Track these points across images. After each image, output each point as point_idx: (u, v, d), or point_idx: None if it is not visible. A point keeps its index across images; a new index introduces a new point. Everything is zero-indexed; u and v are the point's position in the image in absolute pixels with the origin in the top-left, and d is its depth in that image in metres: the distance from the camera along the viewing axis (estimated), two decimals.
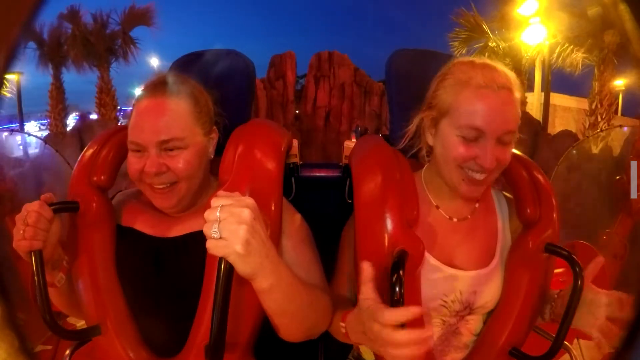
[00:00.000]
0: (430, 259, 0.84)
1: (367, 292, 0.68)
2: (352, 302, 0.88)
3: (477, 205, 0.91)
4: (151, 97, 0.83)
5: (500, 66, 0.82)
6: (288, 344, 0.82)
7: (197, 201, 0.89)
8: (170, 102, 0.82)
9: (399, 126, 0.99)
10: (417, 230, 0.82)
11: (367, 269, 0.69)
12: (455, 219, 0.89)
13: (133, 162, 0.83)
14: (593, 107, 8.20)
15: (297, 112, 11.90)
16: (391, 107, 1.04)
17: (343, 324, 0.78)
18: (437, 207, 0.89)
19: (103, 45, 9.61)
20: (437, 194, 0.90)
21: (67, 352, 0.97)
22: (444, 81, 0.84)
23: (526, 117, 7.98)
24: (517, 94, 0.80)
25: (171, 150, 0.81)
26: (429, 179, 0.91)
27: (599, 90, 8.11)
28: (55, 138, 8.25)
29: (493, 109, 0.78)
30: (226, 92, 0.96)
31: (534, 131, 7.61)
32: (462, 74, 0.82)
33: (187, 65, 1.03)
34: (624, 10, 0.42)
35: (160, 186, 0.82)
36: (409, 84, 0.97)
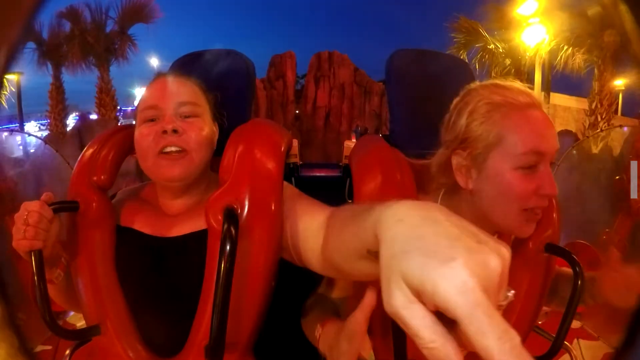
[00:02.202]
0: None
1: (360, 317, 0.61)
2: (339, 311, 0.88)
3: (495, 235, 0.87)
4: (164, 76, 0.89)
5: (521, 85, 0.77)
6: (288, 344, 0.82)
7: (198, 198, 0.89)
8: (184, 79, 0.89)
9: (399, 126, 0.99)
10: None
11: (370, 297, 0.60)
12: None
13: (146, 132, 0.83)
14: (593, 106, 8.22)
15: (297, 112, 11.89)
16: (391, 107, 1.04)
17: (320, 330, 0.76)
18: None
19: (102, 45, 9.63)
20: None
21: (67, 352, 0.97)
22: (474, 112, 0.75)
23: None
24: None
25: (187, 117, 0.85)
26: None
27: (599, 90, 8.13)
28: (56, 138, 8.26)
29: (546, 128, 0.73)
30: (226, 92, 0.96)
31: None
32: (495, 96, 0.74)
33: (187, 65, 1.03)
34: (624, 10, 0.42)
35: (173, 148, 0.82)
36: (409, 84, 0.97)
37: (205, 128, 0.86)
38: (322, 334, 0.75)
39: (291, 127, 11.14)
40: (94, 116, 9.66)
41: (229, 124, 0.94)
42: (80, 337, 0.90)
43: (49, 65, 9.69)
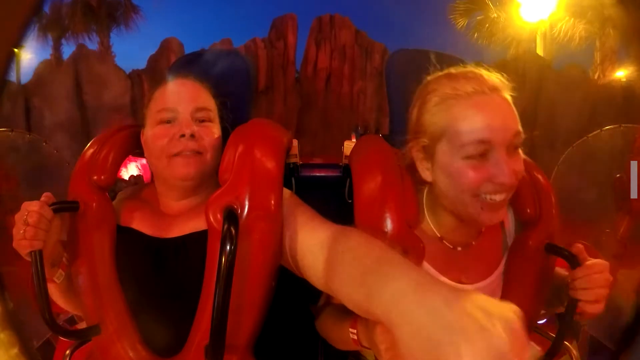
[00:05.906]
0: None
1: None
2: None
3: (483, 229, 0.86)
4: (181, 77, 0.92)
5: (482, 70, 0.76)
6: (288, 344, 0.82)
7: (200, 200, 0.89)
8: (199, 83, 0.92)
9: (399, 125, 0.99)
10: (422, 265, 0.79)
11: None
12: (459, 248, 0.84)
13: (161, 133, 0.85)
14: (596, 77, 8.17)
15: (298, 73, 11.76)
16: (391, 107, 1.04)
17: (354, 330, 0.75)
18: (441, 239, 0.84)
19: (104, 11, 9.58)
20: (441, 223, 0.84)
21: (67, 352, 0.97)
22: (426, 104, 0.77)
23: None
24: (508, 95, 0.74)
25: (202, 121, 0.88)
26: (430, 207, 0.85)
27: (601, 61, 8.09)
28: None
29: (494, 114, 0.71)
30: (226, 92, 0.96)
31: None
32: (445, 88, 0.75)
33: (188, 65, 1.03)
34: (623, 10, 0.42)
35: (188, 152, 0.84)
36: (409, 84, 0.97)
37: (217, 132, 0.90)
38: (359, 333, 0.74)
39: (291, 90, 11.11)
40: None
41: (229, 124, 0.94)
42: (80, 337, 0.90)
43: (49, 37, 9.61)
